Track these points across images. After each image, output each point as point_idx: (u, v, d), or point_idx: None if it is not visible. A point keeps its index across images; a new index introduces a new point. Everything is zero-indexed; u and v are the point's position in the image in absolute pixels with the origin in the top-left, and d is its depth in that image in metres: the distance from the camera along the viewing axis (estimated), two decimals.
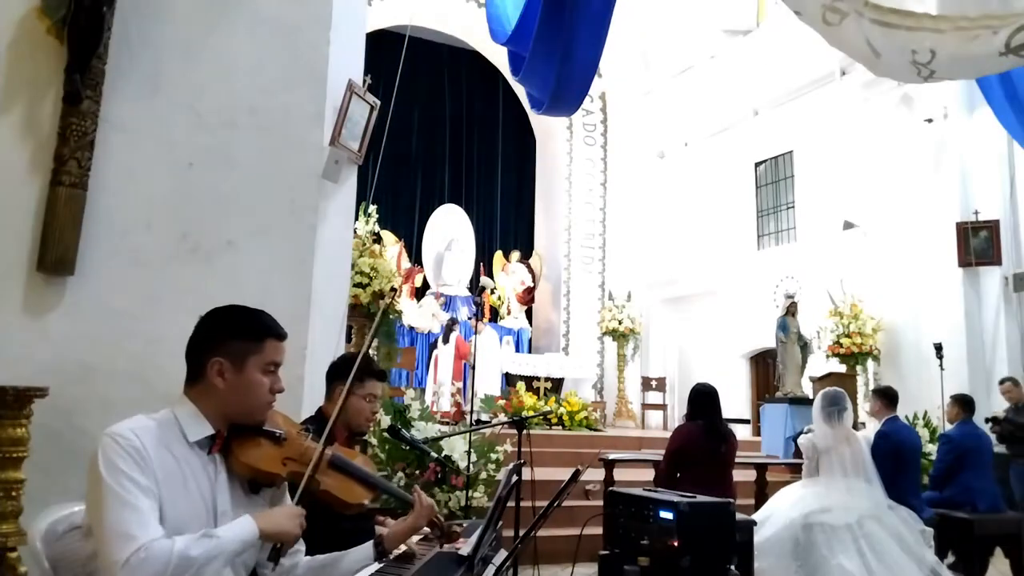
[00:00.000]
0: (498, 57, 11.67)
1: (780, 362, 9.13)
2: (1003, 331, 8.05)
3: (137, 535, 1.33)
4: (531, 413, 8.51)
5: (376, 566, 2.02)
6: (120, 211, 3.02)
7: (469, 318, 12.00)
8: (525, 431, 3.90)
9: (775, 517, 4.43)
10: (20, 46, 2.92)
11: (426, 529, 2.40)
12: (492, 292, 12.89)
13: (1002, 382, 6.66)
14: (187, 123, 3.19)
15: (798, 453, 5.49)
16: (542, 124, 13.69)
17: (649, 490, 3.37)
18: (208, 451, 1.57)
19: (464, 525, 2.52)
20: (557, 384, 10.97)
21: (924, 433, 6.95)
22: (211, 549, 1.37)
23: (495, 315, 13.06)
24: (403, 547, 2.21)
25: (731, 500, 3.41)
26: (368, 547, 1.80)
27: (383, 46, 8.19)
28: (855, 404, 7.77)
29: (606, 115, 13.64)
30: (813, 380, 8.58)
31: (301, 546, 1.75)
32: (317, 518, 1.85)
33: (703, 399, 4.51)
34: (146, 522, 1.36)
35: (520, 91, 11.14)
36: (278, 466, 1.63)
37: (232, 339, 1.60)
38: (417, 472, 5.14)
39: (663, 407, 11.92)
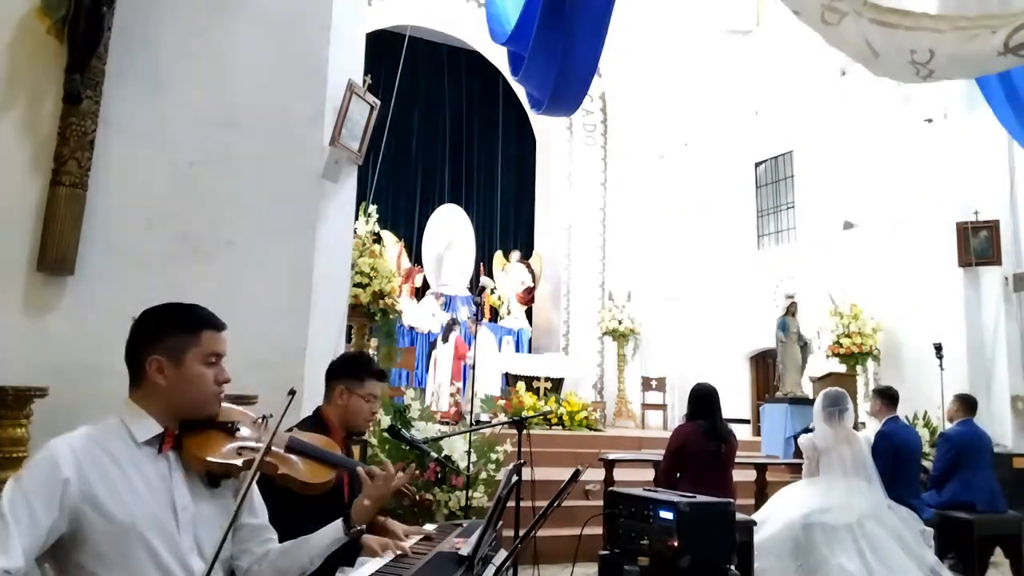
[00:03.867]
0: (498, 57, 11.66)
1: (780, 362, 9.13)
2: (1003, 331, 8.05)
3: None
4: (531, 413, 8.50)
5: (374, 563, 2.02)
6: (120, 211, 3.03)
7: (469, 318, 12.00)
8: (525, 431, 3.90)
9: (775, 517, 4.44)
10: (20, 46, 2.92)
11: (417, 536, 2.40)
12: (492, 292, 12.89)
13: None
14: (187, 123, 3.20)
15: (798, 453, 5.49)
16: (542, 124, 13.68)
17: (649, 490, 3.37)
18: (159, 449, 1.55)
19: (464, 525, 2.52)
20: (557, 384, 10.97)
21: (924, 433, 6.95)
22: None
23: (495, 315, 13.05)
24: (403, 544, 2.21)
25: (731, 500, 3.42)
26: (337, 523, 1.79)
27: (383, 46, 8.20)
28: (855, 404, 7.77)
29: (606, 115, 13.64)
30: (813, 380, 8.58)
31: (273, 534, 1.74)
32: (285, 505, 1.83)
33: (703, 399, 4.51)
34: (6, 548, 1.31)
35: (520, 91, 11.13)
36: (232, 456, 1.60)
37: (167, 335, 1.58)
38: (417, 472, 5.14)
39: (663, 407, 11.92)
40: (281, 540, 1.76)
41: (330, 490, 1.80)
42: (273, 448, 1.64)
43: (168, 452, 1.57)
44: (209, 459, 1.58)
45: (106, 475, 1.46)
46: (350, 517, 1.81)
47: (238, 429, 1.66)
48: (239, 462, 1.61)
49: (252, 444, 1.65)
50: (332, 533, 1.77)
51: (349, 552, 2.17)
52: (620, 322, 12.16)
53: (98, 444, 1.49)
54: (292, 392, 1.58)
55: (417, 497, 2.03)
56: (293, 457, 1.76)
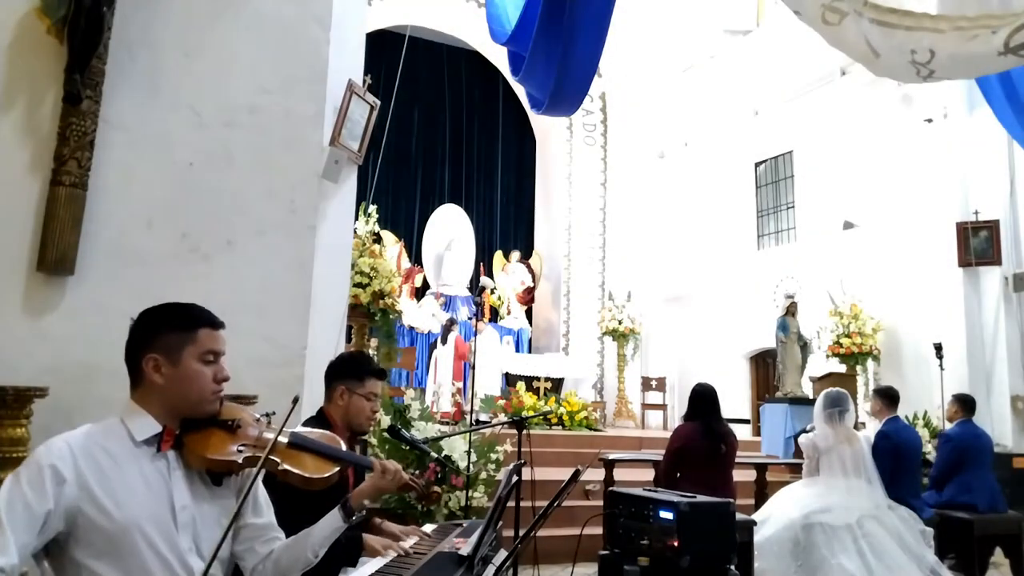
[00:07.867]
0: (498, 57, 11.67)
1: (780, 362, 9.13)
2: (1003, 331, 8.04)
3: None
4: (531, 413, 8.50)
5: (374, 563, 2.02)
6: (120, 211, 3.02)
7: (469, 318, 11.99)
8: (525, 431, 3.90)
9: (775, 517, 4.44)
10: (20, 46, 2.92)
11: (417, 536, 2.40)
12: (492, 292, 12.89)
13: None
14: (187, 123, 3.20)
15: (798, 453, 5.50)
16: (542, 124, 13.68)
17: (649, 490, 3.37)
18: (157, 448, 1.56)
19: (464, 525, 2.52)
20: (557, 384, 10.97)
21: (924, 433, 6.95)
22: None
23: (495, 315, 13.05)
24: (402, 546, 2.21)
25: (731, 500, 3.41)
26: (335, 512, 1.78)
27: (383, 46, 8.20)
28: (855, 404, 7.77)
29: (606, 115, 13.63)
30: (813, 380, 8.58)
31: (279, 533, 1.74)
32: (291, 503, 1.83)
33: (703, 399, 4.51)
34: (1, 546, 1.33)
35: (520, 91, 11.14)
36: (233, 454, 1.61)
37: (163, 333, 1.59)
38: (417, 472, 5.15)
39: (663, 407, 11.92)
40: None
41: (335, 486, 1.80)
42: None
43: (168, 451, 1.57)
44: (209, 457, 1.58)
45: (103, 474, 1.46)
46: (348, 504, 1.80)
47: (239, 427, 1.66)
48: (240, 459, 1.61)
49: (253, 442, 1.65)
50: (332, 523, 1.76)
51: (351, 552, 2.18)
52: (620, 322, 12.15)
53: (96, 442, 1.49)
54: (296, 399, 1.60)
55: (426, 491, 2.03)
56: (294, 453, 1.76)
